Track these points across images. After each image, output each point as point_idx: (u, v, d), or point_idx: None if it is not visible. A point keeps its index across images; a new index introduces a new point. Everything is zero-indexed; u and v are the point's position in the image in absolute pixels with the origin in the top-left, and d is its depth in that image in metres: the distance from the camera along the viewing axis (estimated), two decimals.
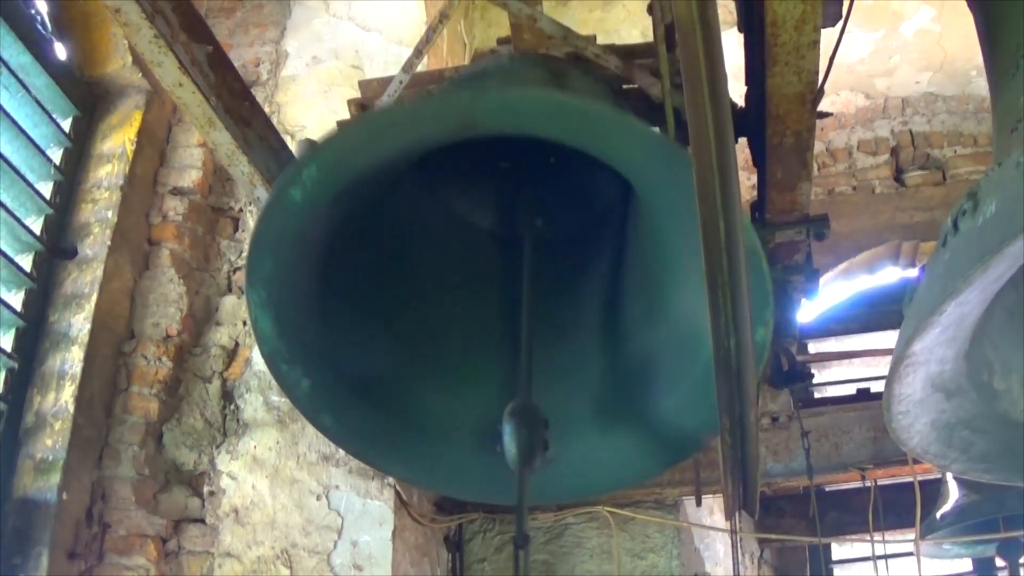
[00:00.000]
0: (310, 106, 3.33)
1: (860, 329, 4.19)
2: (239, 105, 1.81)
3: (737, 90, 1.78)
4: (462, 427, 1.57)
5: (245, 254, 3.20)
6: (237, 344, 3.06)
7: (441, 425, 1.57)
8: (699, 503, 2.46)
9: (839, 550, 4.96)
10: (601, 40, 1.81)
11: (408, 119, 1.21)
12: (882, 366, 3.88)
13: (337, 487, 2.76)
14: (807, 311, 3.55)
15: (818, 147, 5.56)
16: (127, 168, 3.06)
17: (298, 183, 1.18)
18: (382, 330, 1.55)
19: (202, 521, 2.82)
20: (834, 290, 5.17)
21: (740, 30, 1.74)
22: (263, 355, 1.39)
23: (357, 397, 1.49)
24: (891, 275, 5.30)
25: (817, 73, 1.63)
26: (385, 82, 2.05)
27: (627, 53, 1.79)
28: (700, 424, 1.47)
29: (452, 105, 1.23)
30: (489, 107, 1.20)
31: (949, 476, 3.29)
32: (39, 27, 2.94)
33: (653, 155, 1.23)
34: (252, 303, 1.32)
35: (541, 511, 3.11)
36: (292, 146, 2.00)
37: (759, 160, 1.90)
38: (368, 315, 1.53)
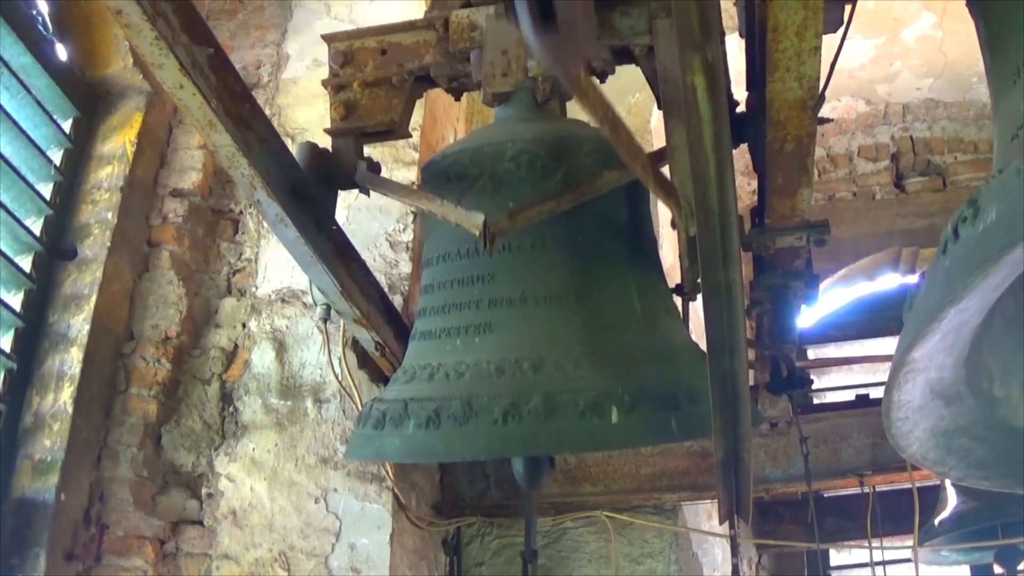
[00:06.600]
0: (311, 108, 3.32)
1: (859, 335, 4.20)
2: (240, 107, 1.81)
3: (738, 95, 1.79)
4: None
5: (245, 256, 3.21)
6: (236, 346, 3.05)
7: None
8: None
9: (837, 556, 4.96)
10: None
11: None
12: (881, 372, 3.89)
13: (335, 490, 2.76)
14: (807, 317, 3.55)
15: (819, 153, 5.56)
16: (127, 169, 3.05)
17: None
18: None
19: (200, 523, 2.82)
20: (834, 296, 5.17)
21: (741, 35, 1.75)
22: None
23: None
24: (891, 281, 5.31)
25: (818, 79, 1.62)
26: (352, 34, 2.07)
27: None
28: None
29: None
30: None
31: (948, 483, 3.29)
32: (40, 28, 2.94)
33: None
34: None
35: (539, 516, 3.10)
36: (292, 148, 2.00)
37: (760, 166, 1.90)
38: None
